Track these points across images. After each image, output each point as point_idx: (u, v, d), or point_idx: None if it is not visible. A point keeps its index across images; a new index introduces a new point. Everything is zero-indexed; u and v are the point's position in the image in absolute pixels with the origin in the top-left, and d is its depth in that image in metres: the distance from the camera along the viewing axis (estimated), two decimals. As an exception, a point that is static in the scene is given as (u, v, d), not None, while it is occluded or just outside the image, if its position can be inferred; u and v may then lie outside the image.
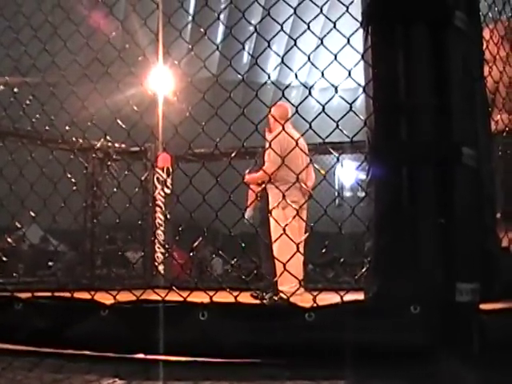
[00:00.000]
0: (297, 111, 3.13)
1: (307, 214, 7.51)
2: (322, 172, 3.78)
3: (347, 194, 16.39)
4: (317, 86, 18.57)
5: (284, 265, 3.27)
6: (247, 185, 7.92)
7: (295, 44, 3.17)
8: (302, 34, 3.07)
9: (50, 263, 13.96)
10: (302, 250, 7.03)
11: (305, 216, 7.39)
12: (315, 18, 3.09)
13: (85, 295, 3.30)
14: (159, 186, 12.34)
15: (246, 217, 6.96)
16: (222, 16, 16.39)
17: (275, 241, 6.62)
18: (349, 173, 15.98)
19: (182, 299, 3.05)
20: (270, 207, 7.18)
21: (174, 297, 3.09)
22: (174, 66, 11.62)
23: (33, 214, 4.22)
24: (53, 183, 3.88)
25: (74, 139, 9.07)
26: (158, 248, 12.35)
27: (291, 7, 3.19)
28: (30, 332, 3.15)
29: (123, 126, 3.75)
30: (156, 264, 12.10)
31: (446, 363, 2.55)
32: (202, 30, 3.71)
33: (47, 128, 4.06)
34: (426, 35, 2.82)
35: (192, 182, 3.49)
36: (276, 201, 7.02)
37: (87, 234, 12.24)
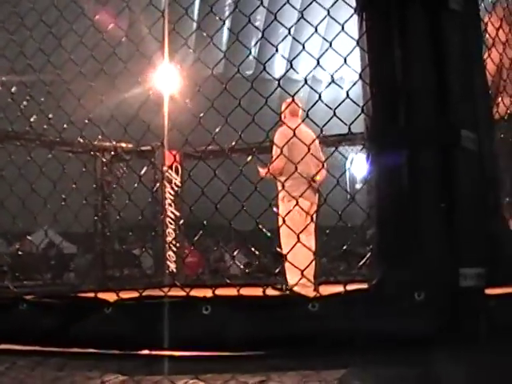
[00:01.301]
0: (293, 100, 3.10)
1: (317, 208, 7.48)
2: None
3: (358, 186, 16.31)
4: (324, 80, 18.54)
5: (285, 256, 3.25)
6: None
7: (289, 33, 3.14)
8: (298, 21, 3.04)
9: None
10: (311, 243, 7.01)
11: (313, 211, 7.35)
12: (308, 5, 3.06)
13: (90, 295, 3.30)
14: (168, 185, 12.35)
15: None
16: (226, 12, 16.39)
17: (282, 234, 6.63)
18: (360, 166, 15.91)
19: (184, 294, 3.03)
20: (279, 201, 7.17)
21: (178, 293, 3.08)
22: (180, 64, 11.63)
23: (35, 216, 4.21)
24: (55, 184, 3.88)
25: (81, 140, 9.06)
26: (169, 247, 12.36)
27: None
28: (35, 332, 3.14)
29: (123, 125, 3.73)
30: (168, 263, 12.11)
31: (450, 349, 2.53)
32: (205, 34, 3.69)
33: (45, 127, 4.05)
34: (421, 18, 2.79)
35: (202, 179, 3.47)
36: (283, 195, 7.00)
37: (98, 235, 12.25)
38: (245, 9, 3.58)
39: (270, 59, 13.44)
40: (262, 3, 3.18)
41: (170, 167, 12.38)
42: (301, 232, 3.84)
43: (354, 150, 12.63)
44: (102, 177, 12.04)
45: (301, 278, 3.79)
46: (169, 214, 12.37)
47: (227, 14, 16.72)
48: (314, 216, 7.25)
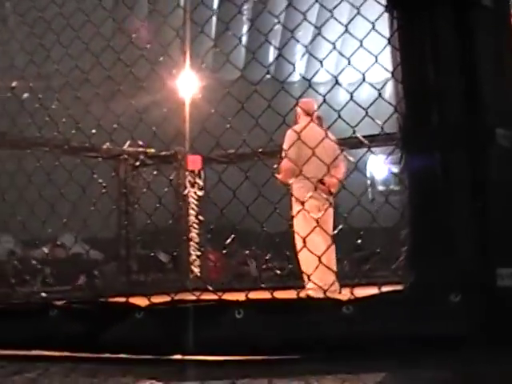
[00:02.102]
0: (324, 101, 3.07)
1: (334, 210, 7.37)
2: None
3: (380, 188, 16.28)
4: (344, 82, 18.48)
5: (293, 260, 3.20)
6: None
7: (319, 33, 3.10)
8: (327, 21, 3.01)
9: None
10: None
11: (330, 212, 7.19)
12: (339, 4, 3.03)
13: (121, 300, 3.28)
14: (191, 189, 12.36)
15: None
16: (245, 15, 16.38)
17: (296, 237, 6.55)
18: (381, 167, 15.89)
19: (216, 298, 3.00)
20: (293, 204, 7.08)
21: (209, 297, 3.06)
22: (203, 69, 11.67)
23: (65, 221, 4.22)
24: (83, 190, 3.88)
25: (105, 146, 9.10)
26: (193, 251, 12.36)
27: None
28: (66, 338, 3.12)
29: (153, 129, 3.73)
30: (191, 266, 12.12)
31: (487, 349, 2.48)
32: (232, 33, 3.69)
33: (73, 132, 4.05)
34: (452, 16, 2.75)
35: (224, 183, 3.46)
36: (295, 196, 6.88)
37: (122, 240, 12.28)
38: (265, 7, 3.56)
39: (290, 63, 13.45)
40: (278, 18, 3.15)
41: (193, 171, 12.40)
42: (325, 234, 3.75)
43: (375, 151, 12.53)
44: (126, 182, 12.07)
45: (321, 288, 3.66)
46: (192, 218, 12.38)
47: (247, 12, 16.70)
48: (331, 218, 7.11)
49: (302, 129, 5.40)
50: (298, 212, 6.10)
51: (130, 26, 4.34)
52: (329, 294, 3.17)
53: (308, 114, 7.17)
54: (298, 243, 6.73)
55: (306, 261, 5.99)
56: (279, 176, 6.97)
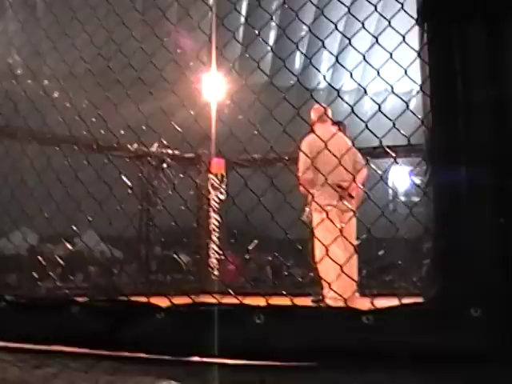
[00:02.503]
0: (352, 110, 3.08)
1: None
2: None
3: (401, 199, 16.22)
4: (369, 92, 18.42)
5: (314, 268, 3.20)
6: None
7: (349, 43, 3.12)
8: (357, 32, 3.03)
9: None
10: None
11: (352, 221, 7.03)
12: (369, 16, 3.05)
13: (141, 299, 3.30)
14: (213, 192, 12.39)
15: (304, 216, 6.91)
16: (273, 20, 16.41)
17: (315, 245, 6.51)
18: (403, 178, 15.86)
19: (237, 302, 3.02)
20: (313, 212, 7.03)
21: (229, 300, 3.07)
22: (229, 74, 11.74)
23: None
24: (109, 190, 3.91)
25: (129, 146, 9.16)
26: (213, 254, 12.39)
27: (345, 5, 3.12)
28: (87, 334, 3.15)
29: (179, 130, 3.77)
30: (210, 269, 12.15)
31: (507, 366, 2.48)
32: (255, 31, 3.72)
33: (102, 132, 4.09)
34: (483, 30, 2.75)
35: (249, 188, 3.48)
36: (315, 204, 6.80)
37: (142, 240, 12.34)
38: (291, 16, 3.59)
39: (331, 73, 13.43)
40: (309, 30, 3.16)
41: (216, 175, 12.42)
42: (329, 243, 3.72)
43: (398, 161, 12.49)
44: (149, 182, 12.12)
45: (341, 297, 3.63)
46: (214, 221, 12.41)
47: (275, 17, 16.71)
48: (353, 225, 6.99)
49: (316, 138, 5.40)
50: (319, 223, 6.11)
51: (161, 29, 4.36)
52: (348, 303, 3.18)
53: (323, 120, 7.09)
54: (317, 251, 6.69)
55: (325, 271, 5.97)
56: (301, 188, 6.92)
